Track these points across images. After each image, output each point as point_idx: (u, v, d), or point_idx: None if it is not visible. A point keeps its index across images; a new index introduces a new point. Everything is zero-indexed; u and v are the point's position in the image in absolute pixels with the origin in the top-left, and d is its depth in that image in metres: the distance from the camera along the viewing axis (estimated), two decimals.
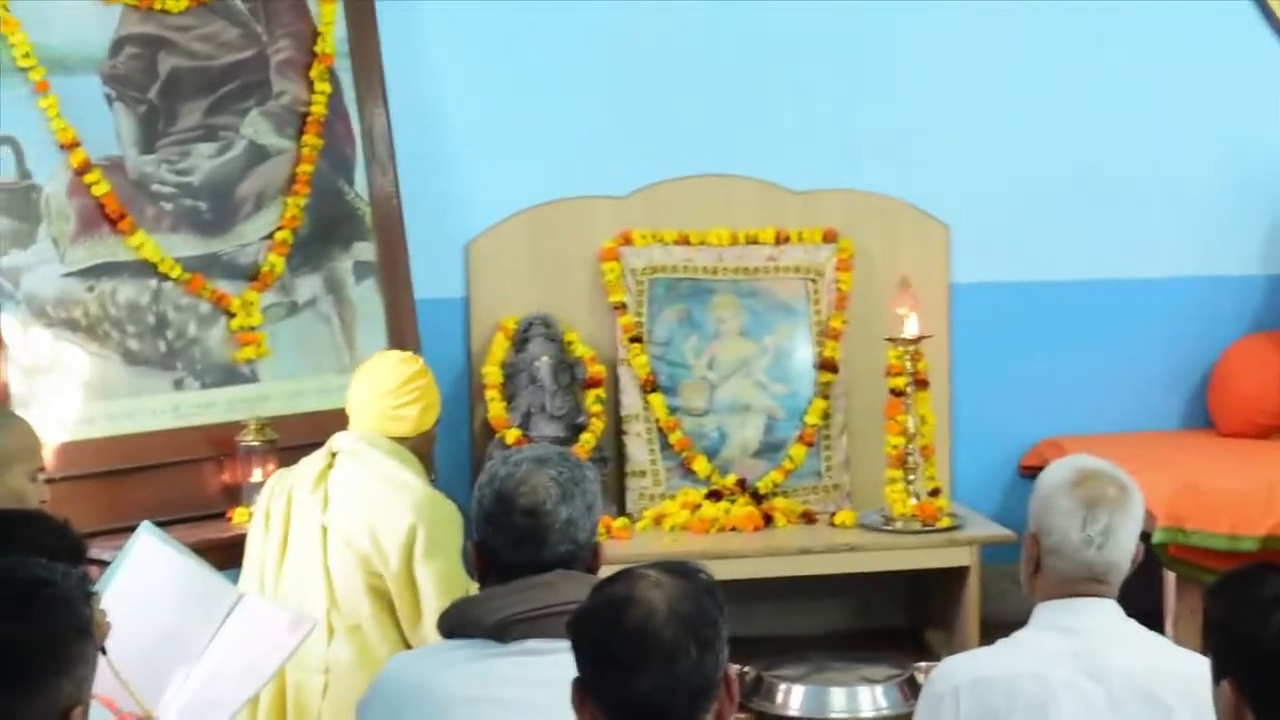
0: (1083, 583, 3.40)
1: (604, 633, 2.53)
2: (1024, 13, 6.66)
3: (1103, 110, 6.73)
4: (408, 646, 4.63)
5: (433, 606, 4.52)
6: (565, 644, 2.74)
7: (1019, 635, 3.44)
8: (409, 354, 5.06)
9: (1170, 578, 5.79)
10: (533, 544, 3.26)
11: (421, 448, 4.90)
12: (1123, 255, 6.79)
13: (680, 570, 2.57)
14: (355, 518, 4.67)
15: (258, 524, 4.85)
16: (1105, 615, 3.40)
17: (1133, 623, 3.43)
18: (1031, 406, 6.71)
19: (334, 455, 4.80)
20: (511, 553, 3.27)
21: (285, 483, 4.85)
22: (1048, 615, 3.41)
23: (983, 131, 6.68)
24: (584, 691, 2.56)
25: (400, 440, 4.82)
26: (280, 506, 4.80)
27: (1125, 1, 6.68)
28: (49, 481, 4.46)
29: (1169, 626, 5.75)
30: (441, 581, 4.59)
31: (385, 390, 4.84)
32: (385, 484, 4.69)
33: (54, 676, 2.48)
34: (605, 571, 3.23)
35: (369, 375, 4.92)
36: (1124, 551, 3.41)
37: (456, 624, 3.28)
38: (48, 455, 4.80)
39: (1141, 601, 3.57)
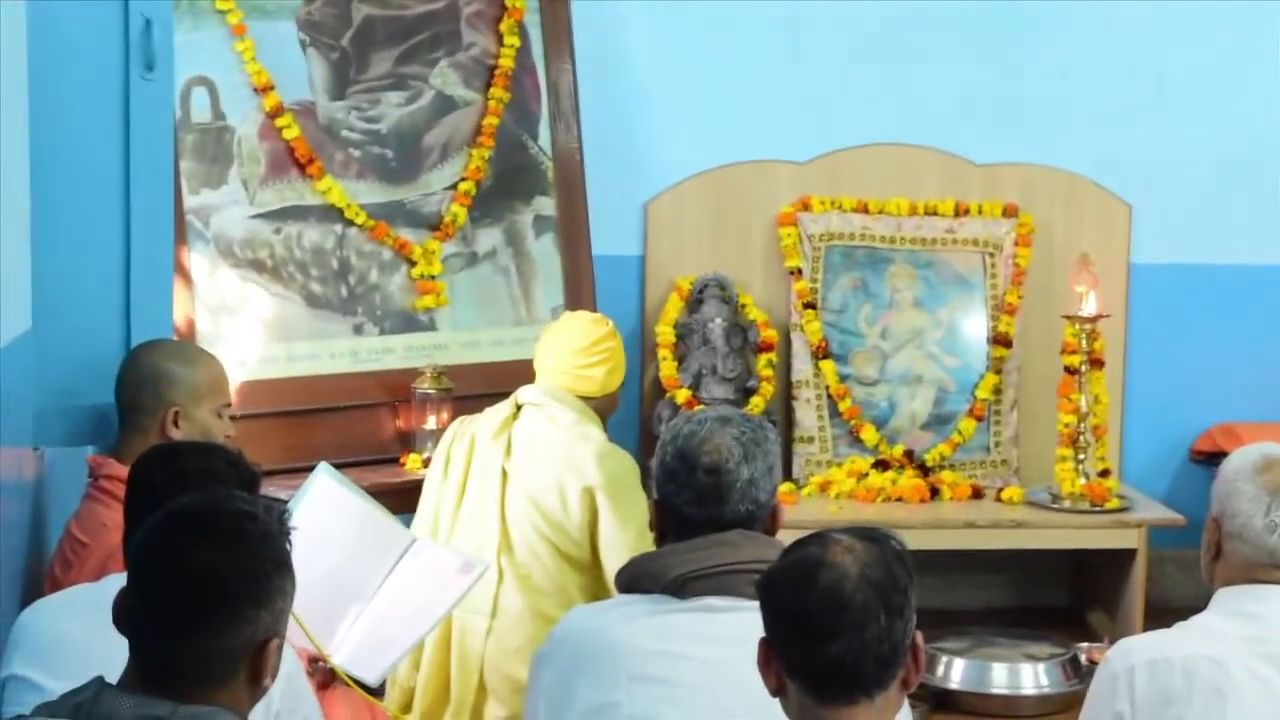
0: (1264, 569, 3.36)
1: (795, 594, 2.52)
2: None
3: None
4: (576, 597, 4.69)
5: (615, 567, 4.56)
6: (744, 602, 2.74)
7: (1198, 619, 3.41)
8: (600, 315, 5.09)
9: None
10: (714, 502, 3.27)
11: (604, 408, 4.96)
12: None
13: (872, 536, 2.57)
14: (539, 467, 4.75)
15: (437, 467, 4.93)
16: None
17: None
18: (1206, 391, 6.62)
19: (519, 407, 4.87)
20: (692, 510, 3.28)
21: (468, 429, 4.91)
22: (1228, 600, 3.38)
23: (1168, 110, 6.59)
24: (770, 651, 2.57)
25: (585, 399, 4.87)
26: (462, 451, 4.87)
27: None
28: (233, 419, 4.53)
29: None
30: (628, 548, 4.61)
31: (575, 348, 4.89)
32: (570, 435, 4.76)
33: (254, 608, 2.52)
34: (781, 535, 3.27)
35: (559, 332, 4.97)
36: None
37: (635, 579, 3.30)
38: (232, 393, 4.87)
39: None
